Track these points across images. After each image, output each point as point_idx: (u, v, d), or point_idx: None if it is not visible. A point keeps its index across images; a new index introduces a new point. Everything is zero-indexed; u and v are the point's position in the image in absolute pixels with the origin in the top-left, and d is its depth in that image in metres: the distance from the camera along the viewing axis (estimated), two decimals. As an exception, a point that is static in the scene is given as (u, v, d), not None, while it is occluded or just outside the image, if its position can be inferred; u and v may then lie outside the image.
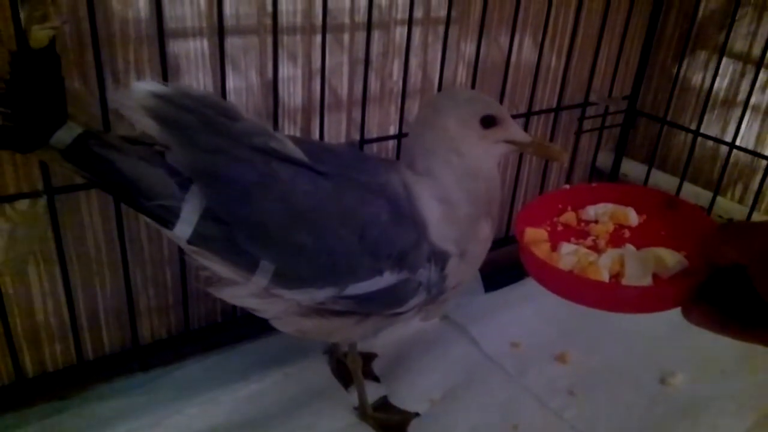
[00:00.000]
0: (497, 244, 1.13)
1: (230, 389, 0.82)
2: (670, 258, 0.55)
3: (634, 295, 0.53)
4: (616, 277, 0.55)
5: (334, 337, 0.75)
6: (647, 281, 0.53)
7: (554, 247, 0.58)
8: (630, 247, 0.58)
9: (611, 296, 0.54)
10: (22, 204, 0.71)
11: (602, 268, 0.55)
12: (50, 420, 0.76)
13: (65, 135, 0.56)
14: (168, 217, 0.58)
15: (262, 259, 0.60)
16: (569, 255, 0.57)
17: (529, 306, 1.02)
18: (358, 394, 0.81)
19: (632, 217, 0.62)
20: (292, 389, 0.84)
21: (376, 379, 0.88)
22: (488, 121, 0.67)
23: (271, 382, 0.85)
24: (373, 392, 0.84)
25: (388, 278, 0.65)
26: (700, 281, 0.49)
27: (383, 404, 0.84)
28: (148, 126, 0.57)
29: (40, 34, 0.56)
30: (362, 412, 0.81)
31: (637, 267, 0.55)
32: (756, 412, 0.83)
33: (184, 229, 0.58)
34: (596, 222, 0.62)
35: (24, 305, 0.77)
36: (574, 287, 0.54)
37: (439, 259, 0.67)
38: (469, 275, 0.74)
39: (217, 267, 0.62)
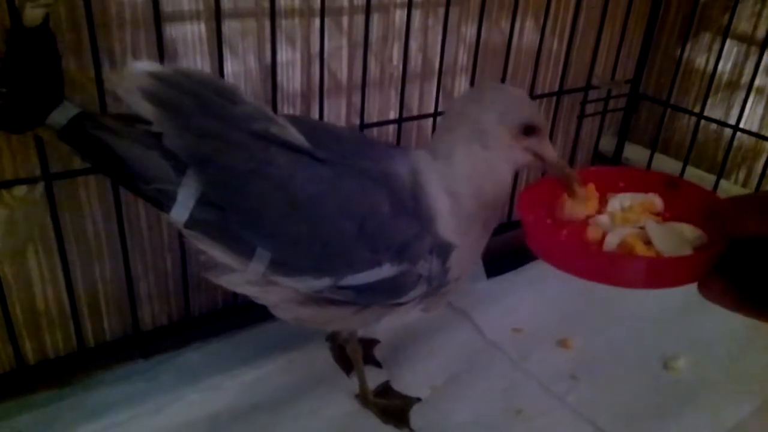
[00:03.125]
0: (498, 229, 1.12)
1: (232, 376, 0.82)
2: (690, 232, 0.54)
3: (644, 267, 0.52)
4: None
5: (332, 326, 0.75)
6: (687, 252, 0.52)
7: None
8: (652, 222, 0.56)
9: (619, 268, 0.52)
10: (20, 190, 0.71)
11: (613, 241, 0.54)
12: (51, 407, 0.76)
13: (61, 115, 0.55)
14: (164, 200, 0.57)
15: (258, 245, 0.60)
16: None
17: (531, 291, 1.01)
18: (359, 381, 0.81)
19: (658, 204, 0.60)
20: (294, 375, 0.84)
21: (378, 364, 0.88)
22: (528, 130, 0.65)
23: (272, 369, 0.84)
24: (375, 378, 0.84)
25: (387, 270, 0.64)
26: (716, 254, 0.47)
27: (385, 390, 0.84)
28: (144, 108, 0.56)
29: (33, 13, 0.55)
30: (363, 398, 0.81)
31: (667, 240, 0.53)
32: (759, 397, 0.83)
33: (180, 212, 0.57)
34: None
35: (24, 292, 0.77)
36: (574, 257, 0.53)
37: (443, 251, 0.66)
38: (468, 268, 0.73)
39: (214, 252, 0.61)
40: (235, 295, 0.90)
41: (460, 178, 0.65)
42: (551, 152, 0.67)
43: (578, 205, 0.59)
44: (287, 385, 0.82)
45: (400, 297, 0.67)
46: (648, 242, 0.54)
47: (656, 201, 0.60)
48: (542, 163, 0.66)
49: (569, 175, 0.64)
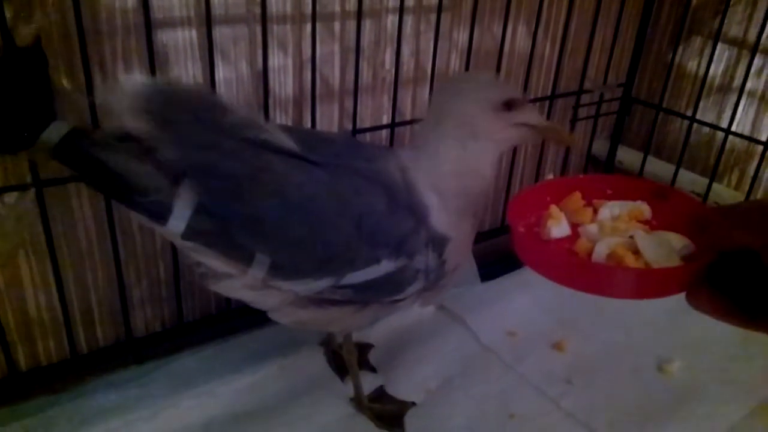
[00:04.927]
0: (492, 233, 1.13)
1: (226, 381, 0.82)
2: (678, 241, 0.54)
3: (634, 278, 0.52)
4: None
5: (332, 327, 0.75)
6: (676, 262, 0.52)
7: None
8: (640, 232, 0.56)
9: (609, 279, 0.53)
10: (11, 197, 0.71)
11: (601, 250, 0.54)
12: (44, 414, 0.76)
13: (53, 134, 0.55)
14: (161, 213, 0.57)
15: (257, 251, 0.60)
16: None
17: (525, 295, 1.01)
18: (354, 385, 0.81)
19: (646, 212, 0.61)
20: (288, 381, 0.84)
21: (373, 369, 0.87)
22: (510, 104, 0.66)
23: (266, 374, 0.84)
24: (370, 382, 0.84)
25: (386, 266, 0.64)
26: (705, 265, 0.47)
27: (380, 394, 0.83)
28: (136, 123, 0.56)
29: (25, 33, 0.56)
30: (358, 402, 0.81)
31: (656, 249, 0.53)
32: (753, 400, 0.83)
33: (177, 224, 0.58)
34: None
35: (16, 299, 0.77)
36: (563, 269, 0.53)
37: (438, 244, 0.67)
38: (462, 259, 0.74)
39: (212, 261, 0.61)
40: (228, 300, 0.90)
41: (445, 175, 0.66)
42: (537, 117, 0.68)
43: (559, 225, 0.59)
44: (281, 391, 0.82)
45: (400, 293, 0.67)
46: (636, 252, 0.54)
47: (644, 209, 0.60)
48: (533, 131, 0.68)
49: (561, 132, 0.68)
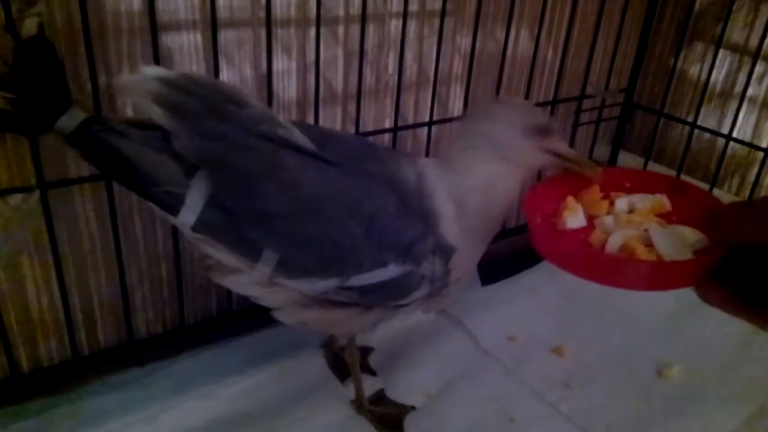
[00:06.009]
0: (494, 237, 1.13)
1: (226, 384, 0.82)
2: (691, 235, 0.54)
3: (646, 270, 0.53)
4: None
5: (335, 329, 0.75)
6: (688, 256, 0.53)
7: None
8: (655, 225, 0.57)
9: (622, 270, 0.53)
10: (15, 198, 0.71)
11: (615, 243, 0.55)
12: (45, 415, 0.76)
13: (69, 120, 0.56)
14: (173, 204, 0.58)
15: (265, 247, 0.60)
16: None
17: (525, 299, 1.02)
18: (355, 387, 0.81)
19: (666, 205, 0.61)
20: (289, 383, 0.84)
21: (373, 372, 0.88)
22: (541, 130, 0.68)
23: (267, 377, 0.84)
24: (370, 386, 0.84)
25: (392, 270, 0.64)
26: (717, 259, 0.48)
27: (380, 397, 0.84)
28: (154, 112, 0.56)
29: (29, 24, 0.56)
30: (359, 405, 0.81)
31: (669, 243, 0.54)
32: (752, 405, 0.83)
33: (188, 215, 0.58)
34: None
35: (18, 300, 0.77)
36: (578, 260, 0.54)
37: (445, 252, 0.67)
38: (468, 270, 0.74)
39: (221, 254, 0.61)
40: (229, 302, 0.90)
41: (474, 192, 0.67)
42: (565, 147, 0.70)
43: (575, 216, 0.60)
44: (281, 393, 0.82)
45: (405, 298, 0.68)
46: (649, 245, 0.55)
47: (665, 201, 0.61)
48: (560, 159, 0.69)
49: (587, 165, 0.68)
